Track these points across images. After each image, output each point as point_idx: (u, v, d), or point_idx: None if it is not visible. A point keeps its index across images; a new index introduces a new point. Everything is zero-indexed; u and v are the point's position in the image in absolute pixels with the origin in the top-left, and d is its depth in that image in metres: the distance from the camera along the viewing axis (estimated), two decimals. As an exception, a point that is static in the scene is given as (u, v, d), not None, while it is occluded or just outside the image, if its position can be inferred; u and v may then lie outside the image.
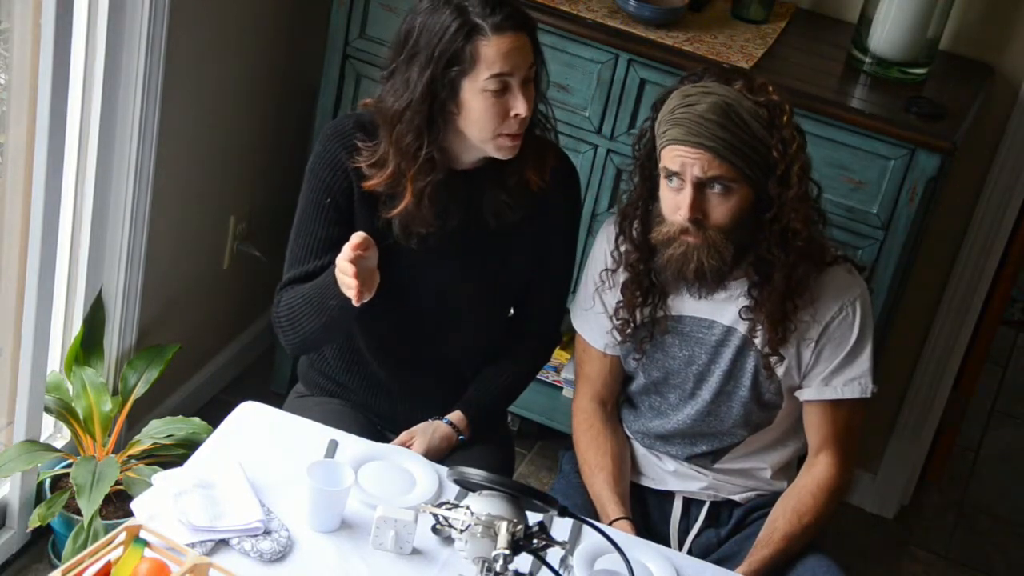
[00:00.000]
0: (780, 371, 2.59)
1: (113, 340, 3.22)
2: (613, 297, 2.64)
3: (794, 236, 2.47)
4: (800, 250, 2.49)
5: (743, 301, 2.56)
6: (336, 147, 2.55)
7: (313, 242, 2.58)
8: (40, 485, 3.11)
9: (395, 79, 2.47)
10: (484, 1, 2.41)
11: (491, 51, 2.40)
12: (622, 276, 2.61)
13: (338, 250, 2.50)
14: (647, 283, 2.59)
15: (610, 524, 2.58)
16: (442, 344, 2.70)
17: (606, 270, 2.64)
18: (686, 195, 2.43)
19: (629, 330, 2.63)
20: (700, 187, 2.43)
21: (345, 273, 2.36)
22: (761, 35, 3.30)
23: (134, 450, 3.11)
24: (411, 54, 2.44)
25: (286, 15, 3.54)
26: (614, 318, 2.64)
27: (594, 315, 2.69)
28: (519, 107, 2.43)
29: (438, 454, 2.65)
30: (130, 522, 2.15)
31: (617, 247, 2.60)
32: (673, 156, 2.43)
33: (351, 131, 2.55)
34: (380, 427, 2.78)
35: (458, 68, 2.41)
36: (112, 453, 3.07)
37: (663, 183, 2.48)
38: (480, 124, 2.44)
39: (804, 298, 2.54)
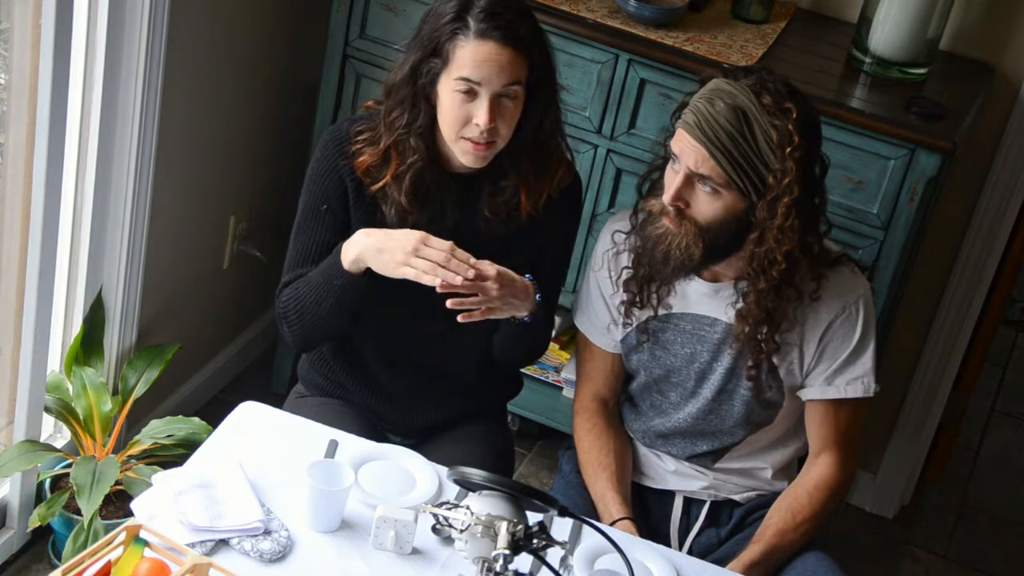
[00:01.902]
0: (782, 371, 2.59)
1: (113, 340, 3.22)
2: (619, 265, 2.63)
3: (771, 265, 2.47)
4: (775, 280, 2.48)
5: (739, 304, 2.56)
6: (333, 153, 2.56)
7: (310, 247, 2.59)
8: (40, 485, 3.11)
9: (403, 54, 2.51)
10: (489, 5, 2.41)
11: (465, 54, 2.40)
12: (631, 247, 2.61)
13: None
14: None
15: (613, 524, 2.58)
16: (439, 345, 2.70)
17: (619, 231, 2.64)
18: (677, 180, 2.45)
19: (634, 310, 2.62)
20: (690, 178, 2.44)
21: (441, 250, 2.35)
22: (761, 35, 3.30)
23: (134, 450, 3.11)
24: (417, 34, 2.48)
25: (286, 15, 3.54)
26: (620, 289, 2.63)
27: (595, 309, 2.69)
28: (479, 117, 2.41)
29: (516, 293, 2.49)
30: (130, 522, 2.15)
31: (635, 214, 2.60)
32: (678, 140, 2.45)
33: (347, 134, 2.56)
34: (380, 427, 2.78)
35: (438, 60, 2.43)
36: (112, 453, 3.07)
37: (670, 160, 2.49)
38: (446, 122, 2.46)
39: (788, 321, 2.54)
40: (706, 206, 2.45)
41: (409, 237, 2.41)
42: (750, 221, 2.46)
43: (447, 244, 2.40)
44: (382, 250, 2.43)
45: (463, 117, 2.43)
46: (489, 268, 2.42)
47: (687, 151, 2.43)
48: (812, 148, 2.46)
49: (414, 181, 2.51)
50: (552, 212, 2.61)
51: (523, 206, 2.55)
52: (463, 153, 2.48)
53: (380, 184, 2.51)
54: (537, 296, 2.55)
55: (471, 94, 2.41)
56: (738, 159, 2.41)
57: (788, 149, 2.40)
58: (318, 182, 2.58)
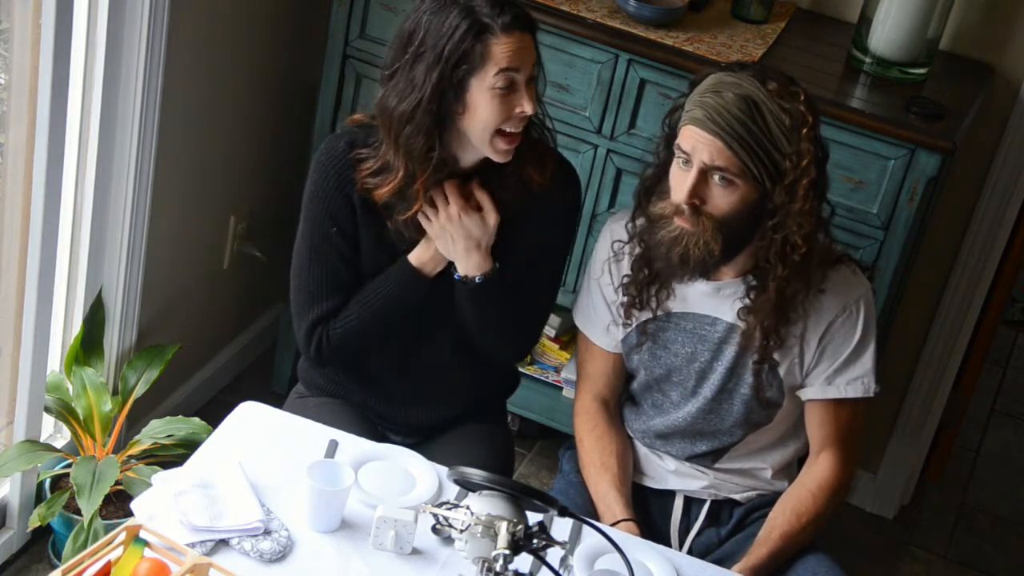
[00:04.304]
0: (782, 371, 2.59)
1: (113, 340, 3.22)
2: (619, 272, 2.64)
3: (792, 250, 2.47)
4: (795, 265, 2.48)
5: (741, 302, 2.56)
6: (334, 174, 2.55)
7: (333, 276, 2.59)
8: (40, 485, 3.11)
9: (398, 79, 2.46)
10: (492, 2, 2.42)
11: (500, 49, 2.41)
12: (632, 252, 2.61)
13: (359, 279, 2.57)
14: (656, 263, 2.59)
15: (615, 525, 2.58)
16: (436, 343, 2.69)
17: (618, 241, 2.64)
18: (690, 178, 2.44)
19: (634, 311, 2.63)
20: (704, 173, 2.44)
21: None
22: (761, 35, 3.30)
23: (134, 450, 3.11)
24: (417, 54, 2.43)
25: (286, 15, 3.54)
26: (620, 292, 2.64)
27: (596, 309, 2.69)
28: (525, 104, 2.43)
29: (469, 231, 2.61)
30: (130, 522, 2.15)
31: (633, 220, 2.60)
32: (688, 136, 2.44)
33: (344, 152, 2.55)
34: (380, 427, 2.78)
35: (467, 67, 2.41)
36: (112, 453, 3.07)
37: (675, 161, 2.49)
38: (484, 123, 2.44)
39: (797, 311, 2.54)
40: (722, 200, 2.45)
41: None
42: (763, 211, 2.46)
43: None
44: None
45: (506, 111, 2.43)
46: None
47: (700, 146, 2.42)
48: (819, 130, 2.48)
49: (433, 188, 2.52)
50: (552, 201, 2.61)
51: (534, 180, 2.56)
52: (497, 152, 2.48)
53: (413, 212, 2.51)
54: (496, 264, 2.57)
55: (510, 86, 2.43)
56: (752, 147, 2.41)
57: (804, 130, 2.42)
58: (322, 206, 2.56)
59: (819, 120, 2.48)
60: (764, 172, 2.43)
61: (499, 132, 2.45)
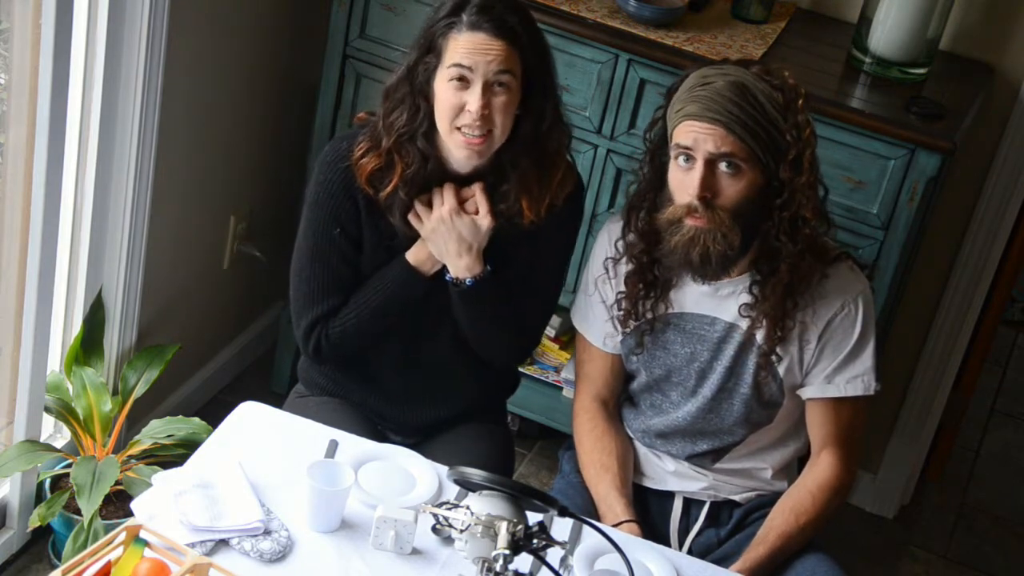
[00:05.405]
0: (781, 369, 2.59)
1: (113, 340, 3.22)
2: (615, 288, 2.64)
3: (803, 224, 2.48)
4: (808, 239, 2.49)
5: (744, 298, 2.56)
6: (336, 174, 2.56)
7: (334, 277, 2.60)
8: (40, 485, 3.11)
9: (402, 60, 2.55)
10: (482, 1, 2.44)
11: (457, 43, 2.44)
12: (626, 267, 2.62)
13: (359, 279, 2.57)
14: (650, 276, 2.59)
15: (617, 526, 2.58)
16: (436, 342, 2.69)
17: (609, 259, 2.64)
18: (696, 173, 2.44)
19: (631, 321, 2.63)
20: (711, 165, 2.43)
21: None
22: (761, 35, 3.30)
23: (134, 450, 3.11)
24: (416, 37, 2.52)
25: (286, 15, 3.54)
26: (615, 307, 2.64)
27: (595, 314, 2.69)
28: (471, 102, 2.43)
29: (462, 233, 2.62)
30: (130, 522, 2.16)
31: (624, 238, 2.60)
32: (687, 132, 2.44)
33: (348, 153, 2.56)
34: (380, 427, 2.78)
35: (434, 56, 2.47)
36: (112, 453, 3.07)
37: (673, 165, 2.48)
38: (441, 114, 2.47)
39: (805, 297, 2.54)
40: (731, 189, 2.45)
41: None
42: (770, 192, 2.47)
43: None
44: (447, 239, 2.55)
45: (457, 106, 2.45)
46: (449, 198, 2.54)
47: (702, 137, 2.42)
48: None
49: (420, 183, 2.51)
50: (555, 219, 2.60)
51: (525, 215, 2.55)
52: (457, 147, 2.48)
53: (389, 189, 2.52)
54: (488, 267, 2.58)
55: (464, 82, 2.44)
56: (753, 128, 2.42)
57: (800, 102, 2.45)
58: (327, 206, 2.57)
59: (808, 94, 2.50)
60: (767, 152, 2.44)
61: (459, 130, 2.47)
